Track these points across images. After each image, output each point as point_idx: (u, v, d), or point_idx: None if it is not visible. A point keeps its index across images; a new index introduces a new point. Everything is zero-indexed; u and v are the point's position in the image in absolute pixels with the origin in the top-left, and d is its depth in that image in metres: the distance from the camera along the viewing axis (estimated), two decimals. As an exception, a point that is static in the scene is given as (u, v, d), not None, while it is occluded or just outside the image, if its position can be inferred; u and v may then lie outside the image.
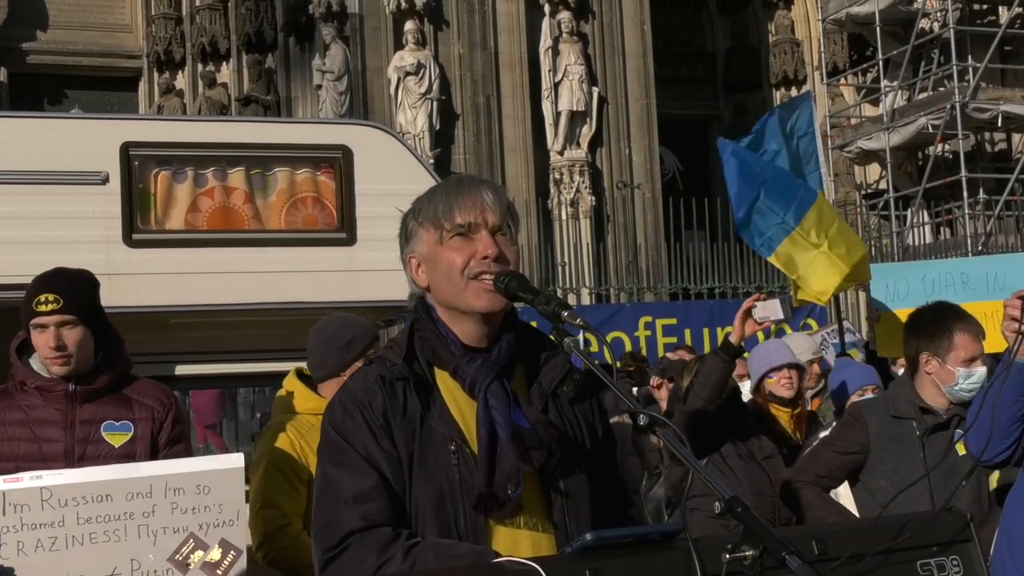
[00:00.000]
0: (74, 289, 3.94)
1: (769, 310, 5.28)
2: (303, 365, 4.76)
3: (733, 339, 5.33)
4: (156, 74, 22.79)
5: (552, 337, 2.63)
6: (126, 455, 3.87)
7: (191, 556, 3.24)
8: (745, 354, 6.44)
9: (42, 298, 3.88)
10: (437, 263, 2.63)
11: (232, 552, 3.23)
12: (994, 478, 5.03)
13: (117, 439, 3.90)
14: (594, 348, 10.87)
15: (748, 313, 5.33)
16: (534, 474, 2.56)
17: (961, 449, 4.49)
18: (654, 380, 9.06)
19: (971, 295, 5.97)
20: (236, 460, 3.36)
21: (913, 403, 4.70)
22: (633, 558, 2.21)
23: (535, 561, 2.15)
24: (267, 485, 4.39)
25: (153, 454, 3.93)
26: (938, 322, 4.71)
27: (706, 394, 5.28)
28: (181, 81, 22.81)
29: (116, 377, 4.01)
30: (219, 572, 3.24)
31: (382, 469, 2.53)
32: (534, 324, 2.79)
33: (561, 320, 2.49)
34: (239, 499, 3.23)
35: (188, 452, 4.09)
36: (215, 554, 3.23)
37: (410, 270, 2.71)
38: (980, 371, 4.65)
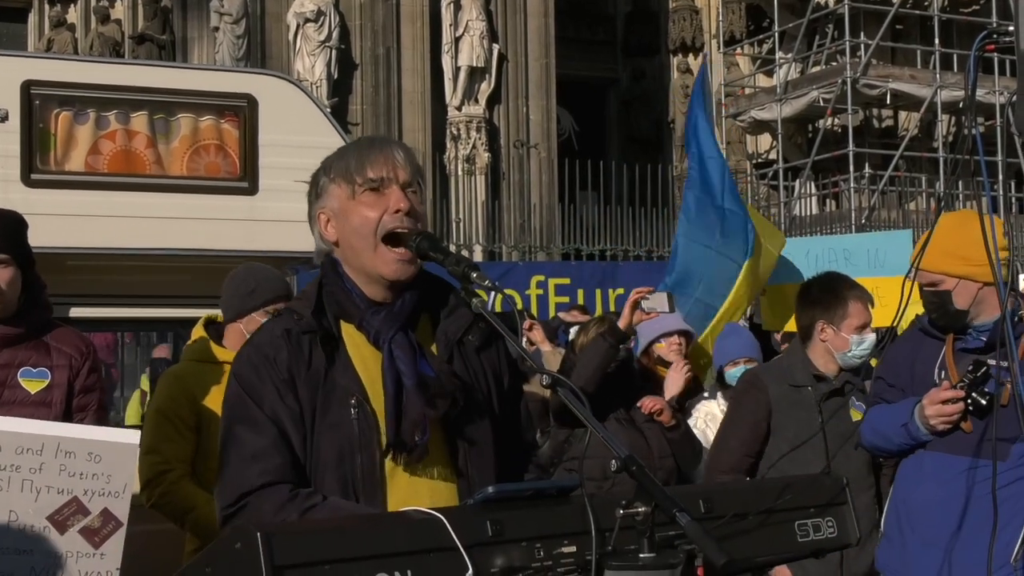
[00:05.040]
0: (8, 228, 3.87)
1: (657, 302, 5.46)
2: (214, 313, 4.78)
3: (621, 325, 5.46)
4: (47, 7, 22.16)
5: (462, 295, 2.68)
6: (42, 402, 3.85)
7: (71, 519, 3.23)
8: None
9: None
10: (349, 218, 2.68)
11: (112, 523, 3.23)
12: None
13: (33, 385, 3.87)
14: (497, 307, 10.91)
15: (637, 304, 5.49)
16: (438, 422, 2.64)
17: (856, 415, 4.70)
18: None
19: (853, 271, 6.14)
20: (132, 436, 3.38)
21: (807, 371, 4.88)
22: (532, 511, 2.30)
23: (439, 511, 2.24)
24: (151, 431, 4.45)
25: (69, 401, 3.92)
26: (832, 292, 4.90)
27: (587, 375, 5.32)
28: (73, 15, 22.20)
29: (36, 323, 3.96)
30: (96, 539, 3.25)
31: (284, 425, 2.58)
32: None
33: (471, 281, 2.55)
34: (129, 473, 3.26)
35: (103, 401, 4.09)
36: (95, 522, 3.22)
37: (319, 226, 2.74)
38: (870, 338, 4.85)
